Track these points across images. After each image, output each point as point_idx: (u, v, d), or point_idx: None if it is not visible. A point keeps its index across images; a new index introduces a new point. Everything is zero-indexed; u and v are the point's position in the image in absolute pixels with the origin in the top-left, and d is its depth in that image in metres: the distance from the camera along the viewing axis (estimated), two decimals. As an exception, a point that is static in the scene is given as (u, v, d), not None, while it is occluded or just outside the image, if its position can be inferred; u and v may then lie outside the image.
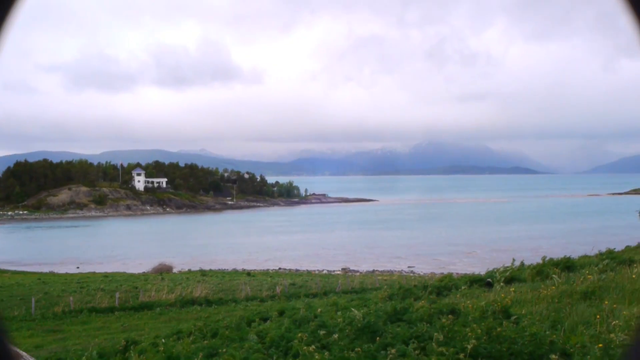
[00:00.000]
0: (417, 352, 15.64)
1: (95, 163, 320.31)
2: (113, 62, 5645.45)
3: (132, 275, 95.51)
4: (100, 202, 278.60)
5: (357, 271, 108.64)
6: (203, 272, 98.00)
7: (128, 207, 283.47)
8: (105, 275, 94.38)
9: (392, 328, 18.48)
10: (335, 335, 17.60)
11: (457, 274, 69.26)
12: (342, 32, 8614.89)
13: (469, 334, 16.30)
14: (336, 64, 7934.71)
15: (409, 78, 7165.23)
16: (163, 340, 24.95)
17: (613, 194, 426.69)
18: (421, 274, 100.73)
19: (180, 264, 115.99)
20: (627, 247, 61.62)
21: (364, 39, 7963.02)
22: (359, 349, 15.99)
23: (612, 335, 17.04)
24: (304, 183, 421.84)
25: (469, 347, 15.23)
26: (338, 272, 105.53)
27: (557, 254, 49.18)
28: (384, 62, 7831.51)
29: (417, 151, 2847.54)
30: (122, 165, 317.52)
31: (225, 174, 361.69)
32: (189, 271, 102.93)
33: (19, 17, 3.09)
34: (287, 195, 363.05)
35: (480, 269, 64.81)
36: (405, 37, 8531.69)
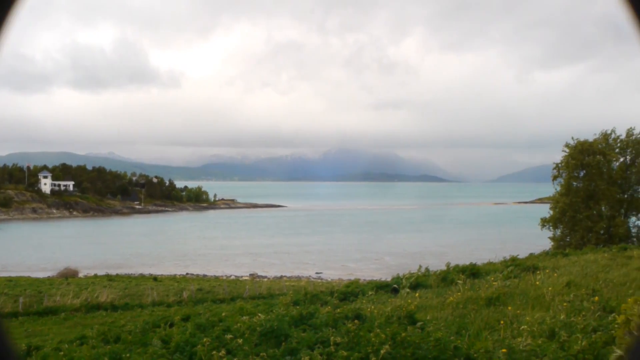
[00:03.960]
0: (322, 357, 15.59)
1: (1, 165, 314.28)
2: (28, 61, 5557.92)
3: (37, 279, 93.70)
4: (6, 204, 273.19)
5: (265, 277, 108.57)
6: (109, 277, 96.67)
7: (34, 211, 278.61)
8: (9, 279, 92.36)
9: (297, 333, 18.46)
10: (240, 340, 17.49)
11: (364, 279, 69.51)
12: (261, 38, 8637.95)
13: (374, 339, 16.33)
14: (254, 69, 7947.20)
15: (326, 85, 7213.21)
16: (66, 346, 24.57)
17: (519, 202, 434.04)
18: (329, 279, 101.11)
19: (86, 269, 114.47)
20: (531, 254, 62.46)
21: (283, 45, 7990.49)
22: (264, 354, 15.91)
23: (516, 340, 17.32)
24: (213, 188, 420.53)
25: (382, 351, 15.26)
26: (246, 278, 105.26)
27: (463, 260, 49.61)
28: (302, 69, 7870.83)
29: (327, 158, 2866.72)
30: (28, 167, 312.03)
31: (134, 178, 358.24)
32: (95, 276, 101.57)
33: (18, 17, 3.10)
34: (196, 200, 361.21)
35: (387, 275, 65.24)
36: (324, 44, 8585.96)
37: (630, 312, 4.75)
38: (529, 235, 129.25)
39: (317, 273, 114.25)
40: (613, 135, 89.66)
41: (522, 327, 19.66)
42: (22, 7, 3.10)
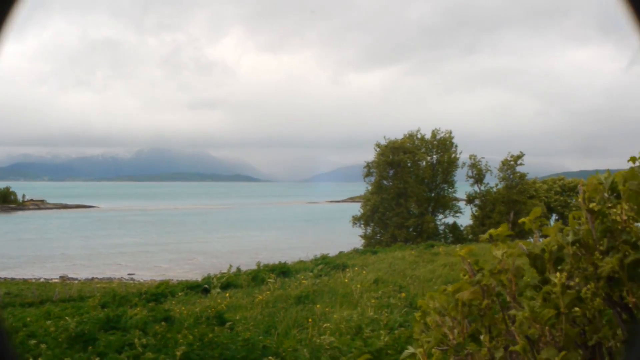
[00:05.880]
0: (130, 360, 15.38)
1: None
2: None
3: None
4: None
5: (76, 279, 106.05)
6: None
7: None
8: None
9: (105, 336, 18.12)
10: (46, 345, 17.03)
11: (177, 280, 69.08)
12: (76, 35, 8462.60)
13: (182, 340, 16.22)
14: (68, 68, 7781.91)
15: (142, 84, 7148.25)
16: None
17: (331, 201, 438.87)
18: (141, 280, 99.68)
19: None
20: (341, 252, 63.57)
21: (100, 43, 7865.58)
22: (69, 359, 15.56)
23: (322, 337, 17.53)
24: (22, 188, 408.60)
25: (178, 353, 15.14)
26: (56, 280, 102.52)
27: (275, 259, 50.07)
28: (118, 67, 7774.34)
29: (139, 157, 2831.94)
30: None
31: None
32: None
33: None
34: (3, 201, 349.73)
35: (199, 276, 64.89)
36: (141, 42, 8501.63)
37: (426, 307, 4.81)
38: (340, 233, 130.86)
39: (129, 274, 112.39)
40: (419, 135, 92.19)
41: (328, 324, 19.99)
42: (22, 7, 3.05)
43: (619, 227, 4.18)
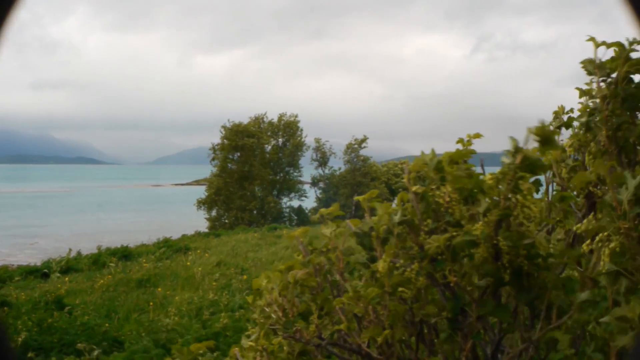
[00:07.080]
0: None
1: None
2: None
3: None
4: None
5: None
6: None
7: None
8: None
9: None
10: None
11: (17, 265, 67.44)
12: None
13: (20, 326, 15.93)
14: None
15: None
16: None
17: (176, 184, 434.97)
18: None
19: None
20: (184, 235, 63.20)
21: None
22: None
23: (163, 320, 17.52)
24: None
25: (20, 339, 14.88)
26: None
27: (117, 243, 49.48)
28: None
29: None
30: None
31: None
32: None
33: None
34: None
35: (41, 260, 63.62)
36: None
37: (259, 286, 4.86)
38: (185, 216, 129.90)
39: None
40: (265, 119, 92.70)
41: (169, 308, 19.98)
42: (21, 7, 2.95)
43: (442, 208, 4.28)
